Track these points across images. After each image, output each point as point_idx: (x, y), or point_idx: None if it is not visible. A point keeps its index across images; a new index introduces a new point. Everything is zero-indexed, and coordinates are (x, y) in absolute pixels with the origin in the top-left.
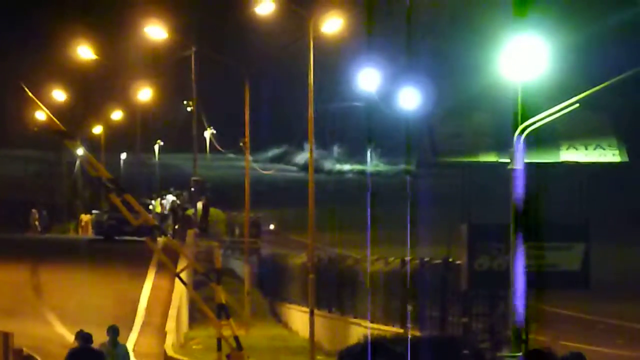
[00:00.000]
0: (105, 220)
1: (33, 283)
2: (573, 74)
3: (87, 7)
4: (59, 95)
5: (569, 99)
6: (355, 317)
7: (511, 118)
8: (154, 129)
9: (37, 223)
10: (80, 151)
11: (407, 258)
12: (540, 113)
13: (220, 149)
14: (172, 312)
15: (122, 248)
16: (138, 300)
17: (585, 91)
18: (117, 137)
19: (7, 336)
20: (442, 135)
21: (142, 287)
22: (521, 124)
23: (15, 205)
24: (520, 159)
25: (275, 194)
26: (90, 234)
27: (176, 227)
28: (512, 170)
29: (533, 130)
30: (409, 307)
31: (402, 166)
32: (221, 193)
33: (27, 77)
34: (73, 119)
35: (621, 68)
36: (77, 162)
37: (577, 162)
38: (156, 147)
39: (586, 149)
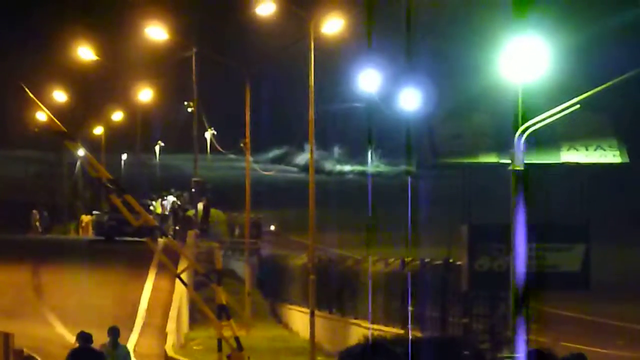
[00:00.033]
0: (106, 221)
1: (34, 284)
2: (573, 75)
3: (87, 7)
4: (60, 96)
5: (569, 99)
6: (355, 318)
7: (511, 119)
8: (155, 129)
9: (37, 224)
10: (80, 152)
11: (408, 259)
12: (540, 114)
13: (220, 149)
14: (173, 313)
15: (122, 249)
16: (138, 301)
17: (585, 92)
18: (118, 138)
19: (7, 337)
20: (442, 136)
21: (142, 287)
22: (522, 124)
23: (16, 206)
24: (520, 159)
25: (276, 194)
26: (90, 234)
27: (177, 227)
28: (513, 171)
29: (533, 131)
30: (410, 308)
31: (403, 167)
32: (222, 194)
33: (28, 78)
34: (74, 120)
35: (622, 69)
36: (78, 163)
37: (577, 163)
38: (157, 148)
39: (587, 149)
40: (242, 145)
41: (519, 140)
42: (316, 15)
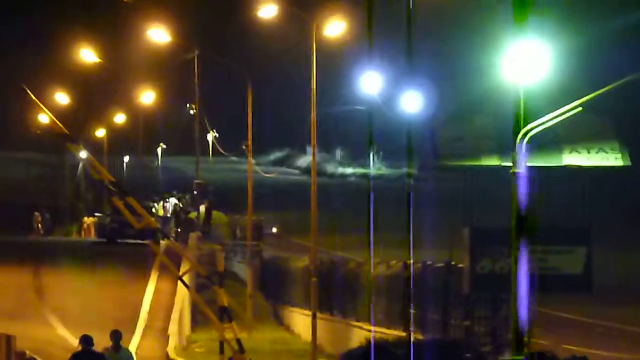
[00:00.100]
0: (108, 223)
1: (35, 286)
2: (575, 78)
3: (90, 10)
4: (62, 98)
5: (571, 102)
6: (357, 320)
7: (513, 121)
8: (157, 132)
9: (39, 226)
10: (83, 154)
11: (410, 261)
12: (542, 117)
13: (222, 152)
14: (175, 315)
15: (124, 251)
16: (140, 303)
17: (587, 95)
18: (120, 140)
19: (9, 339)
20: (444, 139)
21: (144, 290)
22: (523, 127)
23: (17, 208)
24: (522, 162)
25: (278, 197)
26: (92, 236)
27: (178, 230)
28: (514, 173)
29: (535, 133)
30: (411, 311)
31: (405, 169)
32: (223, 196)
33: (30, 80)
34: (76, 122)
35: (623, 71)
36: (80, 165)
37: (579, 166)
38: (159, 150)
39: (588, 152)
40: (244, 147)
41: (521, 143)
42: (318, 18)
